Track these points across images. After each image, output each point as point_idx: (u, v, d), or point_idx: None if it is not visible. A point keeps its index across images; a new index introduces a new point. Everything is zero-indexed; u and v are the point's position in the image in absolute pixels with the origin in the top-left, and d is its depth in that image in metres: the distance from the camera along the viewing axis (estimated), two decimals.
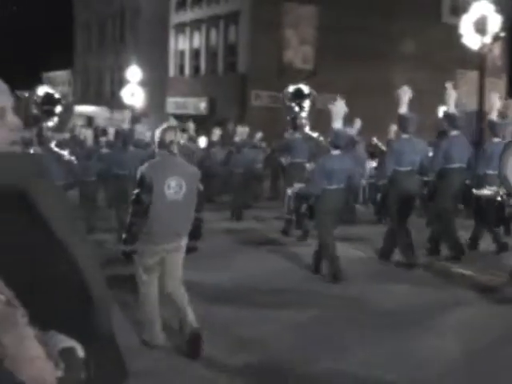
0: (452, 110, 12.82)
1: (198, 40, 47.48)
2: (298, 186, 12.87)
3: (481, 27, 24.65)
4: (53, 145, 15.31)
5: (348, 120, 14.22)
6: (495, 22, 24.88)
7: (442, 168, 12.52)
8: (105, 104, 59.98)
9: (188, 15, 48.29)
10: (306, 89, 20.46)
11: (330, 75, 38.66)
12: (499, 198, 11.01)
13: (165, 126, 7.98)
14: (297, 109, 18.50)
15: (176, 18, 49.90)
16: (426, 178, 12.91)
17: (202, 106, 44.98)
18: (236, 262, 12.47)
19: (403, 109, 12.64)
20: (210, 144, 24.32)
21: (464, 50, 26.19)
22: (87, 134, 23.48)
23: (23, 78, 44.14)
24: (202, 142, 26.51)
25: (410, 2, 41.03)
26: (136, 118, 46.67)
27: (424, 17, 41.79)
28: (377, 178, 14.21)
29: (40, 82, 73.16)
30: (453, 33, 28.80)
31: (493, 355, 7.50)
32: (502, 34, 28.61)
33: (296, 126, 17.31)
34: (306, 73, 40.51)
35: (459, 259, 12.27)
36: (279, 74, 40.34)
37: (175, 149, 7.73)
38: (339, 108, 12.27)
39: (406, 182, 11.98)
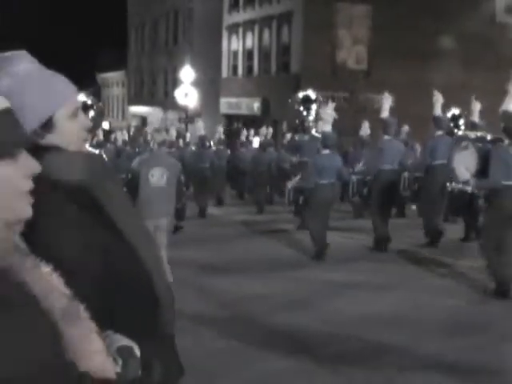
0: (438, 112, 14.50)
1: (250, 40, 47.38)
2: (296, 180, 14.65)
3: None
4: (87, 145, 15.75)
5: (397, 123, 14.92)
6: None
7: (429, 165, 14.18)
8: (158, 104, 60.18)
9: (241, 16, 48.24)
10: (313, 95, 23.08)
11: (383, 75, 38.42)
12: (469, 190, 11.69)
13: (154, 128, 10.25)
14: (305, 113, 20.18)
15: (229, 18, 49.89)
16: (417, 174, 14.92)
17: (255, 106, 44.90)
18: (237, 244, 14.70)
19: (385, 113, 14.46)
20: (262, 144, 24.56)
21: None
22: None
23: (78, 80, 44.43)
24: (256, 142, 26.64)
25: (463, 1, 40.61)
26: (190, 119, 46.93)
27: (478, 16, 41.31)
28: (364, 175, 16.22)
29: (95, 82, 73.70)
30: (507, 32, 28.61)
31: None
32: None
33: (304, 128, 18.69)
34: (360, 73, 40.41)
35: (436, 245, 13.95)
36: (332, 74, 40.21)
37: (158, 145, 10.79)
38: (329, 114, 14.26)
39: (388, 179, 13.76)
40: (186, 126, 46.09)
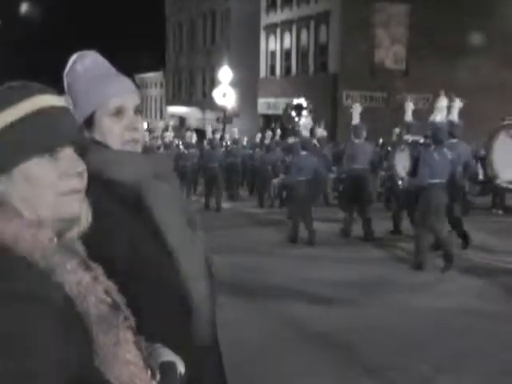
0: (409, 118, 15.38)
1: (288, 40, 47.33)
2: (280, 177, 16.95)
3: None
4: None
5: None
6: None
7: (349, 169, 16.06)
8: (196, 104, 60.32)
9: (278, 16, 48.20)
10: (304, 102, 26.97)
11: (421, 75, 38.25)
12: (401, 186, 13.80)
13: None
14: (296, 119, 22.24)
15: (266, 18, 49.88)
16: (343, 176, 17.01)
17: (310, 106, 44.84)
18: (230, 233, 16.39)
19: (356, 120, 16.24)
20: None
21: None
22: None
23: None
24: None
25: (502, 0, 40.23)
26: (228, 119, 47.04)
27: None
28: (338, 173, 18.41)
29: (133, 83, 73.68)
30: None
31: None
32: None
33: (295, 132, 20.25)
34: (398, 73, 40.23)
35: (399, 233, 15.66)
36: (371, 73, 40.09)
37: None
38: (306, 122, 17.05)
39: (357, 177, 15.46)
40: (224, 125, 46.19)
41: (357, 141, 15.82)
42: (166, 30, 71.02)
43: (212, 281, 2.53)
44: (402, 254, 13.46)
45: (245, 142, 30.35)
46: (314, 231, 14.81)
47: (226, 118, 47.06)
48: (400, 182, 13.46)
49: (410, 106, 15.51)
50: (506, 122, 11.65)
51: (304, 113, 25.95)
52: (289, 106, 22.71)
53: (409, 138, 14.62)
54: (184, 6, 64.07)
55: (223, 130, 45.47)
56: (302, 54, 45.57)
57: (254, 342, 7.63)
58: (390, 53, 41.68)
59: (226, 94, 46.99)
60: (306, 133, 16.79)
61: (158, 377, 1.81)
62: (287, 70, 47.59)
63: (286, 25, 47.13)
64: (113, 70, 2.55)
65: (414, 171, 12.32)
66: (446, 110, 13.82)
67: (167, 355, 1.94)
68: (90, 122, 2.46)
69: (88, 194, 1.73)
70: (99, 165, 2.27)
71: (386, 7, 40.95)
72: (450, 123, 13.79)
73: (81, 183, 1.70)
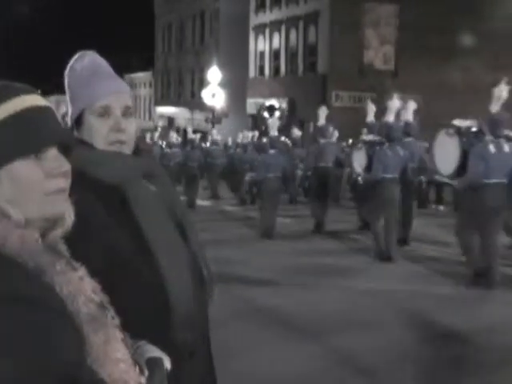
0: (371, 119, 15.91)
1: (277, 41, 47.43)
2: (250, 174, 17.93)
3: None
4: None
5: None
6: None
7: (315, 167, 17.16)
8: (185, 105, 60.36)
9: (267, 16, 48.30)
10: (277, 104, 27.73)
11: (411, 75, 38.34)
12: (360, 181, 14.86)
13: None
14: (269, 120, 21.69)
15: (255, 19, 49.96)
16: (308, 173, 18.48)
17: (282, 106, 44.95)
18: (203, 228, 15.46)
19: (322, 120, 17.25)
20: (295, 143, 25.58)
21: None
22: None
23: None
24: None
25: (491, 0, 40.39)
26: (217, 119, 47.06)
27: (507, 15, 41.09)
28: (304, 170, 19.78)
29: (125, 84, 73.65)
30: None
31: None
32: None
33: (268, 132, 20.69)
34: (387, 73, 40.33)
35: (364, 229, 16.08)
36: (360, 74, 40.18)
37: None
38: (274, 123, 17.75)
39: (324, 174, 16.54)
40: (213, 126, 46.22)
41: (322, 140, 16.98)
42: (155, 30, 71.06)
43: (202, 284, 2.51)
44: (365, 245, 14.19)
45: (230, 143, 31.46)
46: (274, 226, 15.84)
47: (214, 118, 47.08)
48: (359, 178, 14.49)
49: (371, 108, 16.14)
50: (446, 122, 12.33)
51: (276, 113, 27.36)
52: (262, 108, 23.78)
53: (366, 137, 15.52)
54: (173, 7, 64.10)
55: (211, 130, 45.53)
56: (291, 55, 45.67)
57: (215, 318, 7.88)
58: (379, 53, 41.81)
59: (214, 95, 47.02)
60: (273, 132, 17.43)
61: (146, 373, 1.82)
62: (276, 71, 47.68)
63: (275, 25, 47.22)
64: (106, 69, 2.54)
65: (369, 167, 13.51)
66: (394, 111, 14.44)
67: (153, 351, 1.95)
68: (78, 121, 2.47)
69: (70, 193, 1.72)
70: (83, 164, 2.26)
71: (375, 8, 41.07)
72: (405, 123, 14.88)
73: (66, 183, 1.69)
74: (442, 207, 20.17)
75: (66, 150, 1.70)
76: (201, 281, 2.51)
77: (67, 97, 2.54)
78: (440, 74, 38.51)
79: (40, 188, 1.63)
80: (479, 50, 39.72)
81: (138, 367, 1.76)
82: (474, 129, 11.21)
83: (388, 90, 38.53)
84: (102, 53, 2.59)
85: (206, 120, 48.94)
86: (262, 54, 49.35)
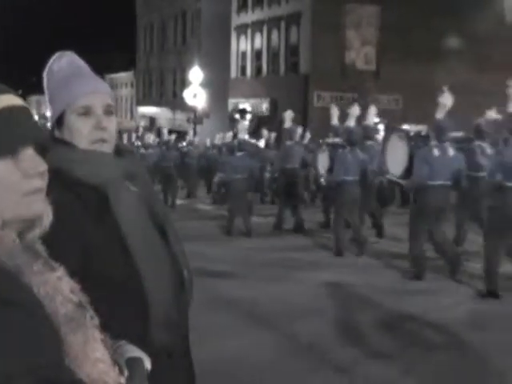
0: (335, 123, 16.80)
1: (259, 41, 47.44)
2: (219, 175, 19.10)
3: None
4: None
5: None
6: None
7: (282, 168, 17.91)
8: (167, 105, 60.30)
9: (249, 16, 48.30)
10: (248, 108, 29.23)
11: (392, 76, 38.47)
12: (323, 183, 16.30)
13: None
14: (239, 124, 22.84)
15: (237, 19, 49.95)
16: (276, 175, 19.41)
17: (264, 106, 44.95)
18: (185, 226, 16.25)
19: (288, 123, 17.94)
20: (267, 145, 26.26)
21: None
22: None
23: None
24: (262, 143, 27.20)
25: (473, 1, 40.57)
26: (198, 119, 47.03)
27: (488, 16, 41.26)
28: (272, 172, 20.95)
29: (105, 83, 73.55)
30: None
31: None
32: None
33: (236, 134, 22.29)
34: (369, 73, 40.44)
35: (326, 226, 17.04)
36: (341, 74, 40.26)
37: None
38: (243, 124, 19.27)
39: (290, 175, 17.07)
40: (195, 126, 46.18)
41: (289, 142, 17.62)
42: (136, 30, 70.92)
43: (182, 285, 2.51)
44: (328, 242, 14.71)
45: (208, 143, 32.28)
46: (250, 224, 16.57)
47: (196, 118, 47.03)
48: (322, 179, 15.76)
49: (335, 111, 16.84)
50: (397, 126, 13.85)
51: (248, 116, 29.32)
52: (234, 110, 24.70)
53: (330, 140, 16.72)
54: (155, 7, 64.01)
55: (194, 130, 45.49)
56: (273, 55, 45.69)
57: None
58: (361, 54, 41.91)
59: (196, 95, 46.94)
60: (242, 135, 18.57)
61: (126, 373, 1.81)
62: (258, 71, 47.68)
63: (257, 25, 47.23)
64: (86, 69, 2.55)
65: (331, 169, 14.45)
66: (355, 117, 15.24)
67: (133, 351, 1.94)
68: (60, 121, 2.47)
69: (49, 193, 1.71)
70: (64, 164, 2.29)
71: (357, 8, 41.17)
72: (366, 127, 15.81)
73: (42, 183, 1.67)
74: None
75: (42, 150, 1.69)
76: (181, 282, 2.51)
77: (46, 97, 2.55)
78: (421, 74, 38.62)
79: (17, 188, 1.61)
80: (461, 51, 39.86)
81: (117, 367, 1.75)
82: (422, 133, 12.65)
83: (369, 90, 38.78)
84: (83, 53, 2.60)
85: (188, 120, 48.89)
86: (244, 54, 49.35)
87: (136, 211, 2.41)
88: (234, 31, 50.35)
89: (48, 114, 2.55)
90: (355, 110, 15.37)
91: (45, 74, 2.54)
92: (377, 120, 15.27)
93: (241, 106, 31.83)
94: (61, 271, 1.69)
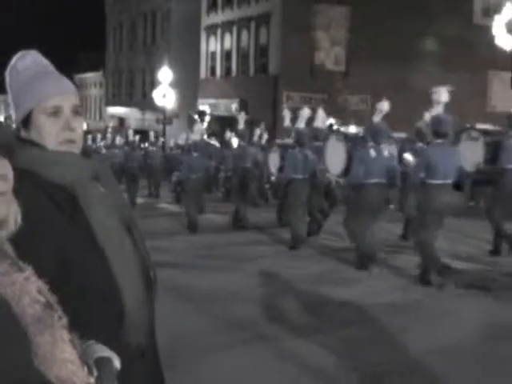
0: (287, 124, 18.11)
1: (229, 41, 47.45)
2: (176, 174, 20.32)
3: None
4: None
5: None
6: None
7: (235, 167, 18.80)
8: (136, 105, 60.11)
9: (219, 17, 48.28)
10: (208, 110, 31.75)
11: (361, 76, 38.60)
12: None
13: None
14: (195, 126, 23.62)
15: (207, 19, 49.91)
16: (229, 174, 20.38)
17: (234, 107, 44.92)
18: (144, 222, 17.31)
19: (241, 125, 19.23)
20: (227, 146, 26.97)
21: (496, 50, 26.11)
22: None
23: None
24: (235, 142, 27.28)
25: (442, 2, 40.82)
26: (168, 120, 46.89)
27: (456, 18, 41.55)
28: (225, 171, 22.01)
29: (73, 83, 73.15)
30: (485, 34, 28.78)
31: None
32: None
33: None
34: (338, 74, 40.56)
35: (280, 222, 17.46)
36: (310, 75, 40.33)
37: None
38: (198, 128, 20.39)
39: (243, 174, 17.90)
40: (164, 126, 46.05)
41: (242, 143, 18.88)
42: (105, 29, 70.62)
43: (149, 284, 2.52)
44: (280, 237, 15.72)
45: (171, 144, 33.55)
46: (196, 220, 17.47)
47: (165, 118, 46.90)
48: (272, 178, 17.01)
49: (287, 114, 17.97)
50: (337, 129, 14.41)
51: (206, 118, 31.44)
52: (193, 111, 25.91)
53: (281, 141, 18.30)
54: (124, 6, 63.79)
55: (163, 130, 45.36)
56: (243, 55, 45.71)
57: None
58: (331, 54, 42.03)
59: (165, 95, 46.77)
60: (196, 136, 20.12)
61: (95, 373, 1.80)
62: (227, 71, 47.68)
63: (227, 26, 47.23)
64: (52, 69, 2.52)
65: (281, 168, 15.47)
66: (305, 119, 15.97)
67: (102, 351, 1.92)
68: (27, 121, 2.43)
69: (19, 194, 1.68)
70: (32, 165, 2.27)
71: (326, 9, 41.27)
72: (314, 129, 16.61)
73: (4, 186, 1.66)
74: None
75: (7, 152, 1.67)
76: (148, 281, 2.53)
77: (9, 97, 2.52)
78: (390, 74, 38.81)
79: None
80: (429, 52, 40.11)
81: (86, 367, 1.74)
82: (360, 135, 13.62)
83: (339, 90, 38.91)
84: (52, 53, 2.58)
85: (157, 120, 48.74)
86: (214, 54, 49.33)
87: (107, 212, 2.41)
88: (203, 31, 50.31)
89: (13, 113, 2.51)
90: (305, 113, 16.16)
91: (7, 73, 2.50)
92: (332, 121, 15.88)
93: (201, 108, 34.80)
94: (28, 272, 1.68)
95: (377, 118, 12.55)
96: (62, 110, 2.43)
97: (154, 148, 30.01)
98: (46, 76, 2.47)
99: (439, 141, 10.90)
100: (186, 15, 51.28)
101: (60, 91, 2.46)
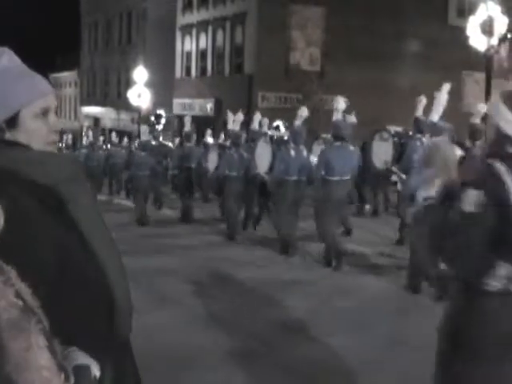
0: (230, 127, 18.69)
1: (204, 41, 47.43)
2: (126, 172, 21.90)
3: (487, 29, 24.63)
4: None
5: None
6: (502, 24, 24.87)
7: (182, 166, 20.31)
8: (111, 105, 60.02)
9: (194, 16, 48.25)
10: (163, 113, 33.78)
11: (336, 76, 38.66)
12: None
13: None
14: (156, 126, 26.38)
15: (182, 19, 49.87)
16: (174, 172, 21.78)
17: (209, 107, 44.95)
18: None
19: (187, 127, 21.38)
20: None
21: (470, 51, 26.23)
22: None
23: None
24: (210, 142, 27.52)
25: (416, 3, 41.03)
26: (143, 119, 46.81)
27: (431, 19, 41.80)
28: (172, 169, 22.57)
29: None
30: (459, 34, 28.91)
31: None
32: (509, 36, 28.64)
33: (155, 135, 26.02)
34: (313, 74, 40.63)
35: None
36: (286, 75, 40.39)
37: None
38: (145, 128, 21.82)
39: (188, 173, 19.47)
40: (139, 126, 45.97)
41: (187, 144, 20.54)
42: (80, 28, 70.41)
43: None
44: (220, 228, 17.20)
45: (136, 144, 33.87)
46: (145, 215, 18.87)
47: (140, 118, 46.83)
48: (209, 175, 19.07)
49: (230, 117, 18.78)
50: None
51: (162, 121, 34.93)
52: (151, 114, 27.76)
53: (220, 141, 20.44)
54: (99, 5, 63.60)
55: (138, 130, 45.28)
56: (218, 55, 45.72)
57: None
58: (306, 55, 42.10)
59: (141, 95, 46.73)
60: (144, 137, 22.38)
61: (72, 380, 1.76)
62: (203, 71, 47.68)
63: (202, 25, 47.22)
64: (27, 68, 2.48)
65: (218, 167, 17.54)
66: (239, 122, 17.59)
67: (82, 359, 1.89)
68: (13, 122, 2.38)
69: (4, 195, 1.66)
70: (17, 165, 2.24)
71: (302, 10, 41.34)
72: (251, 131, 18.12)
73: None
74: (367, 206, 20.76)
75: None
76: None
77: None
78: (365, 75, 38.98)
79: None
80: (404, 52, 40.35)
81: (63, 374, 1.70)
82: (285, 138, 15.96)
83: (314, 90, 38.93)
84: (26, 52, 2.54)
85: (132, 120, 48.69)
86: (189, 54, 49.29)
87: (92, 210, 2.44)
88: (178, 31, 50.27)
89: None
90: (239, 117, 17.80)
91: None
92: (279, 123, 17.14)
93: (158, 111, 37.24)
94: (8, 275, 1.65)
95: (298, 122, 14.24)
96: (50, 111, 2.45)
97: (115, 147, 31.09)
98: (30, 77, 2.44)
99: (337, 143, 12.60)
100: (161, 15, 51.19)
101: (48, 92, 2.46)
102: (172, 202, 22.78)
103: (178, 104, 48.97)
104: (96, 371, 1.91)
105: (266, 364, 7.36)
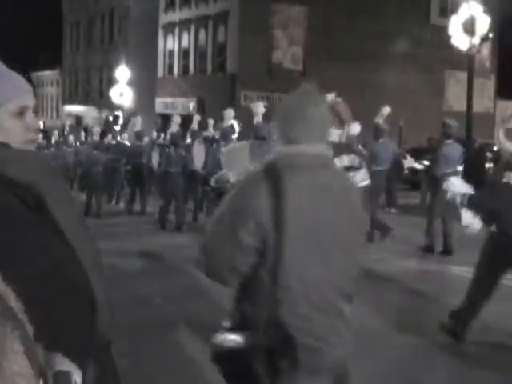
0: (175, 129, 20.90)
1: (186, 40, 47.38)
2: (80, 169, 24.05)
3: (469, 28, 24.72)
4: None
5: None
6: (484, 23, 24.99)
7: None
8: (93, 103, 59.92)
9: (177, 15, 48.20)
10: (120, 115, 36.18)
11: (319, 76, 38.65)
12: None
13: None
14: (114, 126, 27.74)
15: (165, 17, 49.80)
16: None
17: (191, 106, 44.88)
18: None
19: (138, 127, 23.86)
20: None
21: (453, 50, 26.31)
22: None
23: None
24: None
25: (399, 2, 41.18)
26: (125, 119, 46.77)
27: (413, 18, 41.95)
28: (124, 165, 23.76)
29: (29, 81, 72.69)
30: (441, 34, 29.04)
31: None
32: (491, 35, 28.77)
33: (114, 135, 27.14)
34: (296, 73, 40.65)
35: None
36: (268, 74, 40.40)
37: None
38: (96, 129, 24.05)
39: (138, 168, 21.37)
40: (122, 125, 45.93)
41: (138, 142, 22.19)
42: (62, 27, 70.20)
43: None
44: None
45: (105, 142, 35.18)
46: (101, 208, 20.56)
47: (123, 118, 46.80)
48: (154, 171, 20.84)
49: (177, 120, 21.07)
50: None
51: (119, 121, 36.67)
52: (110, 115, 31.56)
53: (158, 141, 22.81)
54: (82, 4, 63.49)
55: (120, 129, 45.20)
56: (200, 54, 45.69)
57: None
58: (288, 54, 42.14)
59: (123, 93, 46.68)
60: (96, 137, 25.31)
61: None
62: (185, 70, 47.64)
63: (185, 24, 47.17)
64: (3, 66, 2.43)
65: (159, 164, 19.42)
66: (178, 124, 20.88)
67: (62, 364, 1.81)
68: None
69: None
70: None
71: (284, 9, 41.39)
72: (192, 131, 20.47)
73: None
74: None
75: None
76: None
77: None
78: (348, 74, 39.05)
79: None
80: (386, 52, 40.45)
81: (42, 381, 1.59)
82: (216, 137, 17.43)
83: (296, 89, 38.98)
84: (7, 50, 2.48)
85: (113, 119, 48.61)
86: (171, 52, 49.23)
87: (72, 209, 2.42)
88: (161, 30, 50.21)
89: None
90: (176, 119, 20.83)
91: None
92: (234, 122, 18.84)
93: (115, 113, 40.60)
94: None
95: (225, 124, 16.38)
96: (27, 109, 2.41)
97: (83, 146, 31.72)
98: (6, 76, 2.39)
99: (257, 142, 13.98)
100: (144, 13, 51.09)
101: (25, 90, 2.42)
102: (127, 196, 24.04)
103: (161, 103, 48.91)
104: (77, 377, 1.85)
105: None
